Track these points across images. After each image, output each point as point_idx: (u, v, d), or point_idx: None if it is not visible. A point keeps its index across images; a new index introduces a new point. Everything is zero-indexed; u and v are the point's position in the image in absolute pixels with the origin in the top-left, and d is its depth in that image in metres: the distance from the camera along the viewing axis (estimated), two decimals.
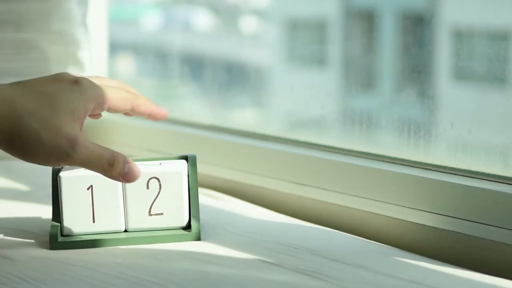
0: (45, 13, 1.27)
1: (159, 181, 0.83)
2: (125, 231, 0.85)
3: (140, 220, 0.84)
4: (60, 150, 0.75)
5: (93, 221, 0.83)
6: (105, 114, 0.85)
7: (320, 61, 1.43)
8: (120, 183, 0.83)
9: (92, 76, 0.82)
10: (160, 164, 0.86)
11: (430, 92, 1.06)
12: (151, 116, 0.83)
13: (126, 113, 0.83)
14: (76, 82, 0.78)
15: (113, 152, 0.77)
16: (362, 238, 0.91)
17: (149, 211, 0.83)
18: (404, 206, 0.93)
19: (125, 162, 0.78)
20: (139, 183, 0.82)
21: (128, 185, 0.83)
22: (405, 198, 0.92)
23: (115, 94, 0.80)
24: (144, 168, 0.83)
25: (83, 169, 0.84)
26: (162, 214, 0.84)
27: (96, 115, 0.83)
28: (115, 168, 0.77)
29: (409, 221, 0.92)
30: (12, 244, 0.83)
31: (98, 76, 0.83)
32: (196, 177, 0.86)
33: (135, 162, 0.80)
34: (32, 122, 0.74)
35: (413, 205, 0.92)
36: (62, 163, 0.76)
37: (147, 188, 0.83)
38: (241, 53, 1.59)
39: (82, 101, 0.77)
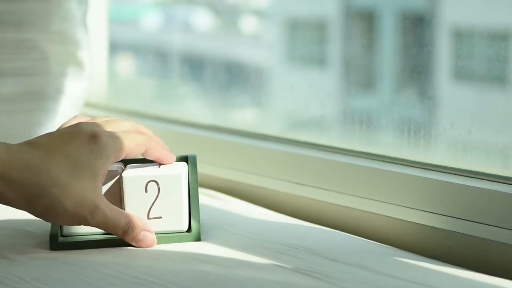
0: (45, 13, 1.27)
1: (157, 184, 0.83)
2: None
3: None
4: (80, 217, 0.78)
5: None
6: (104, 114, 0.85)
7: (320, 61, 1.43)
8: (122, 184, 0.83)
9: (106, 121, 0.83)
10: (159, 166, 0.85)
11: (430, 92, 1.06)
12: (159, 160, 0.86)
13: None
14: (94, 138, 0.79)
15: (131, 219, 0.80)
16: (362, 238, 0.91)
17: (148, 215, 0.83)
18: (404, 206, 0.93)
19: (142, 229, 0.81)
20: (138, 186, 0.82)
21: (126, 188, 0.83)
22: (405, 198, 0.92)
23: (131, 141, 0.81)
24: (142, 171, 0.83)
25: None
26: (160, 217, 0.83)
27: None
28: (129, 234, 0.80)
29: (409, 221, 0.92)
30: (12, 244, 0.83)
31: (112, 120, 0.84)
32: (196, 177, 0.86)
33: (135, 169, 0.81)
34: (56, 191, 0.76)
35: (413, 205, 0.92)
36: (80, 224, 0.79)
37: (146, 191, 0.83)
38: (241, 53, 1.59)
39: (102, 161, 0.78)
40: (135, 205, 0.83)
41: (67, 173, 0.76)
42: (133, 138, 0.82)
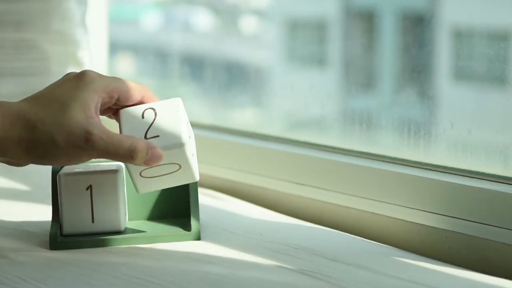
0: (45, 13, 1.27)
1: (154, 110, 0.79)
2: (123, 232, 0.85)
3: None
4: (76, 147, 0.76)
5: (92, 221, 0.83)
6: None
7: (320, 61, 1.43)
8: (119, 183, 0.83)
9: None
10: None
11: (430, 92, 1.06)
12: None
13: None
14: (80, 76, 0.78)
15: (133, 140, 0.77)
16: (362, 238, 0.91)
17: (145, 136, 0.79)
18: (404, 206, 0.93)
19: (148, 148, 0.77)
20: (135, 114, 0.80)
21: (123, 119, 0.80)
22: (405, 198, 0.92)
23: (123, 83, 0.80)
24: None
25: (82, 168, 0.84)
26: (158, 136, 0.79)
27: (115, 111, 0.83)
28: (135, 156, 0.77)
29: (409, 221, 0.92)
30: (12, 244, 0.83)
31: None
32: None
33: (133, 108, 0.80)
34: (46, 128, 0.75)
35: (413, 205, 0.92)
36: (84, 158, 0.77)
37: (143, 117, 0.79)
38: (241, 53, 1.59)
39: (88, 93, 0.77)
40: (132, 130, 0.79)
41: (54, 111, 0.76)
42: (128, 82, 0.80)
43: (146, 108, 0.80)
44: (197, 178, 0.81)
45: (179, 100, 0.81)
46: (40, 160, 0.77)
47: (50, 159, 0.77)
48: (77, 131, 0.76)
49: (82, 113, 0.76)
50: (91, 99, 0.77)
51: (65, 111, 0.76)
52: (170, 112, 0.79)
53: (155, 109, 0.80)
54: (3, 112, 0.76)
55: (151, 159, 0.77)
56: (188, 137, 0.79)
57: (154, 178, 0.80)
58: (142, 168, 0.79)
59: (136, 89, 0.81)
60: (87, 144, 0.76)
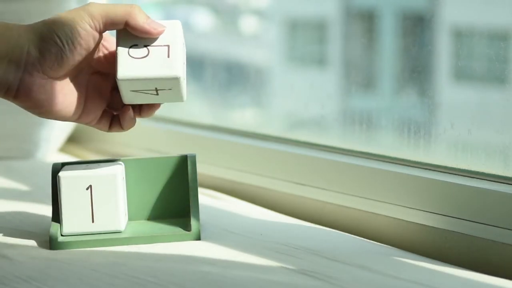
0: (45, 13, 1.27)
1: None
2: (123, 232, 0.85)
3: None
4: (78, 15, 0.78)
5: (92, 221, 0.83)
6: None
7: (320, 61, 1.43)
8: (119, 183, 0.83)
9: None
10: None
11: (430, 92, 1.06)
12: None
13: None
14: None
15: (131, 5, 0.80)
16: (362, 238, 0.91)
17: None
18: (404, 206, 0.93)
19: (146, 15, 0.80)
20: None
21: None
22: (405, 198, 0.92)
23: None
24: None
25: (82, 169, 0.84)
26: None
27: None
28: (136, 13, 0.79)
29: (409, 221, 0.92)
30: (12, 244, 0.83)
31: None
32: (196, 177, 0.86)
33: None
34: (51, 17, 0.79)
35: (413, 205, 0.92)
36: (95, 29, 0.78)
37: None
38: (241, 53, 1.59)
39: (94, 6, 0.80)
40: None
41: (67, 11, 0.79)
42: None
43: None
44: (185, 99, 0.81)
45: (178, 23, 0.81)
46: (54, 48, 0.77)
47: (63, 43, 0.77)
48: (82, 11, 0.78)
49: (80, 11, 0.79)
50: (87, 7, 0.80)
51: (69, 12, 0.79)
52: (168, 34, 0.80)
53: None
54: (19, 25, 0.78)
55: (152, 23, 0.79)
56: (183, 69, 0.80)
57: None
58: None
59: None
60: (87, 8, 0.78)
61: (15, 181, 1.12)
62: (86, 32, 0.78)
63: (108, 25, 0.79)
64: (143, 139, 1.29)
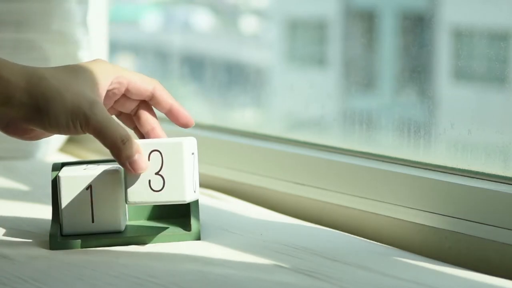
0: (45, 13, 1.27)
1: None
2: (123, 232, 0.85)
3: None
4: (79, 110, 0.75)
5: (92, 221, 0.83)
6: None
7: (320, 61, 1.43)
8: (119, 183, 0.83)
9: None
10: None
11: (430, 92, 1.06)
12: (171, 113, 0.83)
13: (142, 106, 0.82)
14: (94, 60, 0.80)
15: (130, 135, 0.78)
16: (362, 238, 0.91)
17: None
18: (404, 206, 0.93)
19: (137, 150, 0.78)
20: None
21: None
22: (405, 198, 0.92)
23: (135, 74, 0.81)
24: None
25: (82, 169, 0.84)
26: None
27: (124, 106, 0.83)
28: (127, 148, 0.77)
29: (409, 221, 0.92)
30: (12, 244, 0.83)
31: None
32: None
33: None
34: (55, 82, 0.75)
35: (413, 205, 0.92)
36: (79, 126, 0.76)
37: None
38: (241, 53, 1.59)
39: (100, 74, 0.78)
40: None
41: (65, 73, 0.77)
42: (138, 73, 0.81)
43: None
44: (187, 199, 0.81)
45: (186, 145, 0.80)
46: (41, 115, 0.75)
47: (50, 117, 0.75)
48: (85, 96, 0.76)
49: (91, 87, 0.77)
50: (101, 79, 0.78)
51: (75, 78, 0.76)
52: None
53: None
54: (13, 64, 0.76)
55: (136, 163, 0.78)
56: (193, 190, 0.81)
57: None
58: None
59: (147, 80, 0.81)
60: (91, 110, 0.76)
61: (15, 181, 1.12)
62: (69, 132, 0.78)
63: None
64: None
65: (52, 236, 0.82)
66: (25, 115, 0.76)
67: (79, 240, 0.82)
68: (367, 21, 1.34)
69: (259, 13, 1.65)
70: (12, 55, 1.25)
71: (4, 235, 0.86)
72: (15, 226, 0.89)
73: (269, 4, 1.62)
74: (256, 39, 1.67)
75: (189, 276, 0.73)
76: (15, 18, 1.25)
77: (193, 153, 0.82)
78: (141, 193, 0.80)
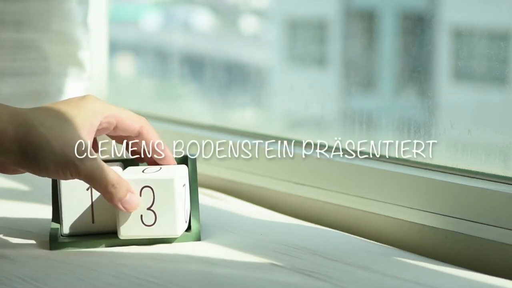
0: (45, 13, 1.27)
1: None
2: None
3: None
4: (67, 159, 0.76)
5: (93, 222, 0.83)
6: None
7: (320, 61, 1.43)
8: None
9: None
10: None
11: (430, 92, 1.06)
12: (156, 152, 0.83)
13: (130, 143, 0.83)
14: (83, 98, 0.80)
15: (119, 177, 0.79)
16: (362, 238, 0.91)
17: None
18: (404, 206, 0.93)
19: (128, 190, 0.79)
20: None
21: None
22: (405, 198, 0.92)
23: (123, 111, 0.81)
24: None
25: None
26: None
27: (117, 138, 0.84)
28: (118, 191, 0.78)
29: (409, 221, 0.92)
30: (12, 244, 0.83)
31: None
32: (196, 177, 0.86)
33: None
34: (43, 130, 0.76)
35: (413, 205, 0.92)
36: (69, 174, 0.77)
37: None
38: (241, 53, 1.59)
39: (87, 114, 0.79)
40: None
41: (54, 118, 0.77)
42: (126, 111, 0.81)
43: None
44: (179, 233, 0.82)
45: (176, 179, 0.81)
46: (30, 163, 0.76)
47: (39, 164, 0.76)
48: (73, 144, 0.76)
49: (80, 131, 0.77)
50: (89, 120, 0.78)
51: (64, 124, 0.77)
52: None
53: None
54: (3, 108, 0.76)
55: (129, 202, 0.79)
56: (184, 221, 0.82)
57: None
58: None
59: (134, 119, 0.82)
60: (79, 159, 0.76)
61: (15, 181, 1.12)
62: (60, 178, 0.79)
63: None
64: None
65: (52, 236, 0.82)
66: (14, 161, 0.77)
67: (79, 240, 0.82)
68: (367, 21, 1.34)
69: (259, 13, 1.65)
70: (12, 55, 1.25)
71: (4, 235, 0.86)
72: (15, 226, 0.89)
73: (269, 4, 1.62)
74: (256, 39, 1.67)
75: (189, 276, 0.73)
76: (15, 18, 1.25)
77: (184, 185, 0.83)
78: (133, 228, 0.81)
